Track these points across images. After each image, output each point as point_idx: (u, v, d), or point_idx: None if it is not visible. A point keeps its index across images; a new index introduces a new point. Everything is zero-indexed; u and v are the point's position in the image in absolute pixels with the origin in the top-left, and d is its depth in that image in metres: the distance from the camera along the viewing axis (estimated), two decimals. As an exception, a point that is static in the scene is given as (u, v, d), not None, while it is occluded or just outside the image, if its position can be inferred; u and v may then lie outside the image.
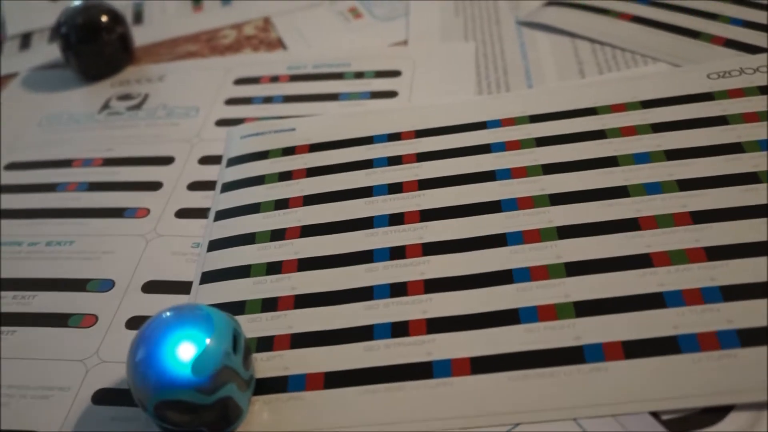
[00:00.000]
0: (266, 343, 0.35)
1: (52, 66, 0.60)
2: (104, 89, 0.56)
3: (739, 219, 0.35)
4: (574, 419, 0.30)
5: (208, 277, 0.39)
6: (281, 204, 0.41)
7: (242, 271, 0.38)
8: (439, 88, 0.49)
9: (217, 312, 0.31)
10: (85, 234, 0.43)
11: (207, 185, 0.45)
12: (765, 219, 0.34)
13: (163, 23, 0.63)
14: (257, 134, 0.47)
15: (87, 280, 0.40)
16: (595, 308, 0.33)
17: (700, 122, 0.40)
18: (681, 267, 0.33)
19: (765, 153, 0.38)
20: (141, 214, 0.44)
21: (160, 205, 0.44)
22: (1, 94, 0.58)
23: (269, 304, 0.36)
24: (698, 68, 0.44)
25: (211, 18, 0.63)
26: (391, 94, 0.49)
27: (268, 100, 0.51)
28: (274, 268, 0.38)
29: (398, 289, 0.35)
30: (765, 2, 0.48)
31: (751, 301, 0.31)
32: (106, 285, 0.40)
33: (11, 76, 0.60)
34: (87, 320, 0.38)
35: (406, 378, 0.32)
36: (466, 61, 0.51)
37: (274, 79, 0.53)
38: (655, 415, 0.29)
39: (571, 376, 0.31)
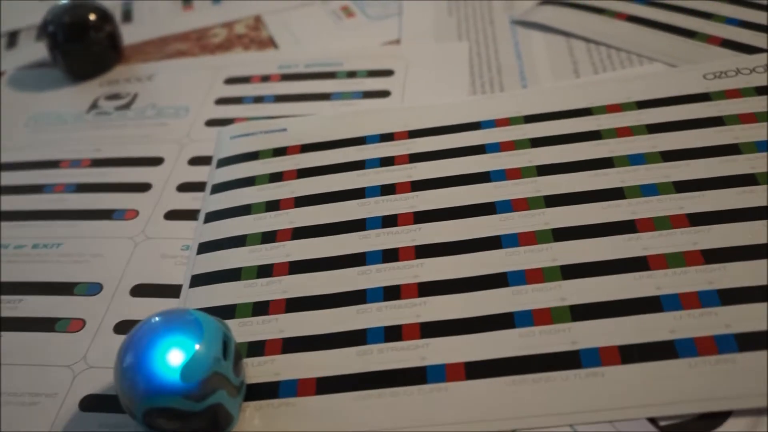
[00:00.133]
0: (257, 348, 0.34)
1: (40, 65, 0.59)
2: (92, 89, 0.55)
3: (737, 221, 0.34)
4: (570, 426, 0.29)
5: (198, 280, 0.38)
6: (272, 206, 0.41)
7: (233, 274, 0.38)
8: (433, 88, 0.49)
9: (207, 317, 0.31)
10: (72, 236, 0.42)
11: (197, 186, 0.44)
12: (763, 221, 0.34)
13: (153, 22, 0.63)
14: (248, 134, 0.46)
15: (74, 284, 0.40)
16: (591, 312, 0.32)
17: (696, 123, 0.40)
18: (678, 270, 0.33)
19: (762, 154, 0.37)
20: (130, 215, 0.43)
21: (149, 206, 0.44)
22: (-12, 93, 0.57)
23: (260, 308, 0.36)
24: (694, 68, 0.44)
25: (202, 16, 0.62)
26: (384, 93, 0.49)
27: (259, 99, 0.51)
28: (265, 270, 0.37)
29: (391, 293, 0.35)
30: (762, 2, 0.48)
31: (749, 305, 0.31)
32: (94, 288, 0.39)
33: (-2, 75, 0.59)
34: (74, 324, 0.37)
35: (399, 383, 0.31)
36: (459, 60, 0.51)
37: (265, 78, 0.52)
38: (652, 420, 0.29)
39: (568, 381, 0.30)
